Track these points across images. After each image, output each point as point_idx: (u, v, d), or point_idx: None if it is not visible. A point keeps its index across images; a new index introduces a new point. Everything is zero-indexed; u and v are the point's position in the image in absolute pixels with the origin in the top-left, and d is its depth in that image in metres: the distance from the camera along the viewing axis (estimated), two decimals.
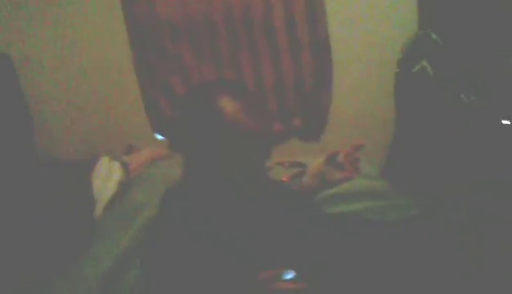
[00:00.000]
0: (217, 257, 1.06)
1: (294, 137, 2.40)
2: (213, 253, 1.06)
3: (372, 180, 1.70)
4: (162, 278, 1.06)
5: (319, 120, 2.34)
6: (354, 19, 2.11)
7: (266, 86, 2.26)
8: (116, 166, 1.88)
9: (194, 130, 1.13)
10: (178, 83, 2.26)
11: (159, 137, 2.36)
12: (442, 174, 1.58)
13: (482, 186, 1.55)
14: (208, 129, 1.11)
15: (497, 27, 1.47)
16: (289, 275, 0.94)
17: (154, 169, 1.90)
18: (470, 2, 1.48)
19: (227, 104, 1.10)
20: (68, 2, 2.18)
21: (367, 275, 1.14)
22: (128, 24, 2.20)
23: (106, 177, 1.80)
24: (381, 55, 1.99)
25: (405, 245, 1.23)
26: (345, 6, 2.11)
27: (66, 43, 2.25)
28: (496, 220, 1.38)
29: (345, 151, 1.24)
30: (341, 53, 2.17)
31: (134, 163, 1.88)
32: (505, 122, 1.56)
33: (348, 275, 1.13)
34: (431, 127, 1.54)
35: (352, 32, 2.13)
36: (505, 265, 1.16)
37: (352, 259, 1.17)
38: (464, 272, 1.14)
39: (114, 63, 2.27)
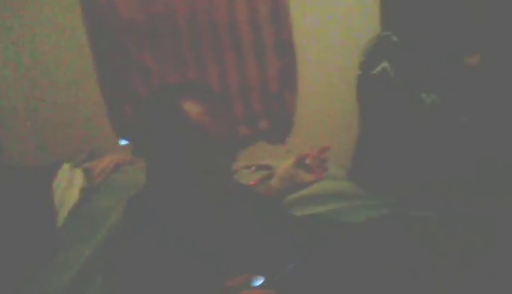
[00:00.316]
0: (185, 264, 1.04)
1: (260, 140, 2.40)
2: (180, 260, 1.04)
3: (339, 181, 1.71)
4: (127, 288, 1.03)
5: (285, 122, 2.35)
6: (318, 21, 2.12)
7: (231, 89, 2.25)
8: (78, 173, 1.82)
9: (158, 134, 1.11)
10: (141, 86, 2.21)
11: (123, 142, 2.31)
12: (408, 173, 1.61)
13: (448, 184, 1.58)
14: (173, 133, 1.08)
15: (456, 27, 1.51)
16: (258, 281, 0.93)
17: (119, 175, 1.85)
18: (431, 3, 1.52)
19: (192, 107, 1.08)
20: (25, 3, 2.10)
21: (337, 277, 1.14)
22: (87, 24, 2.14)
23: (68, 185, 1.74)
24: (345, 57, 2.01)
25: (374, 246, 1.24)
26: (309, 10, 2.12)
27: (24, 45, 2.18)
28: (464, 217, 1.41)
29: (313, 153, 1.25)
30: (306, 55, 2.18)
31: (97, 169, 1.83)
32: (464, 119, 1.60)
33: (318, 278, 1.13)
34: (394, 128, 1.57)
35: (316, 34, 2.14)
36: (475, 263, 1.18)
37: (321, 261, 1.17)
38: (434, 270, 1.15)
39: (75, 65, 2.21)
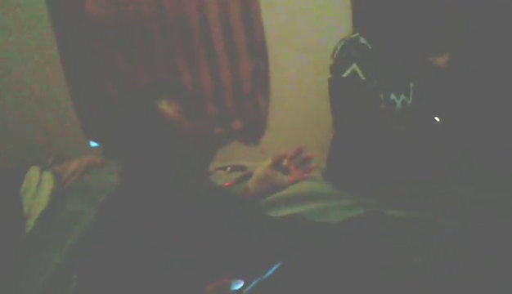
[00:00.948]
0: (161, 268, 1.01)
1: (234, 140, 2.39)
2: (157, 263, 1.01)
3: (315, 182, 1.71)
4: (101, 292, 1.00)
5: (258, 123, 2.34)
6: (290, 22, 2.13)
7: (204, 90, 2.23)
8: (47, 176, 1.76)
9: (133, 134, 1.08)
10: (112, 87, 2.17)
11: (93, 144, 2.25)
12: (381, 174, 1.63)
13: (420, 185, 1.60)
14: (149, 133, 1.07)
15: (424, 28, 1.53)
16: (237, 285, 0.91)
17: (89, 177, 1.80)
18: (400, 5, 1.53)
19: (168, 107, 1.07)
20: None
21: (315, 277, 1.14)
22: (55, 23, 2.08)
23: (37, 189, 1.68)
24: (317, 58, 2.02)
25: (350, 245, 1.24)
26: (280, 10, 2.12)
27: None
28: (437, 217, 1.43)
29: (289, 154, 1.24)
30: (278, 56, 2.19)
31: (66, 173, 1.78)
32: (436, 118, 1.62)
33: (296, 279, 1.12)
34: (366, 129, 1.58)
35: (288, 35, 2.15)
36: (447, 262, 1.20)
37: (299, 262, 1.16)
38: (409, 270, 1.16)
39: (43, 66, 2.14)
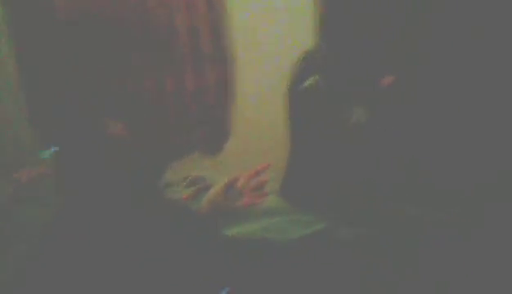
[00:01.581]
0: (107, 287, 0.97)
1: (195, 151, 2.34)
2: (103, 283, 0.97)
3: (272, 196, 1.68)
4: None
5: (221, 133, 2.30)
6: (257, 30, 2.12)
7: (166, 99, 2.18)
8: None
9: (80, 148, 1.05)
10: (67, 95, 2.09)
11: (44, 154, 2.17)
12: (339, 189, 1.62)
13: (380, 199, 1.60)
14: (96, 149, 1.04)
15: (384, 42, 1.54)
16: None
17: (36, 189, 1.73)
18: (363, 18, 1.53)
19: (113, 124, 1.04)
20: None
21: None
22: (9, 21, 1.99)
23: None
24: (281, 69, 2.01)
25: (308, 262, 1.23)
26: (247, 24, 2.11)
27: None
28: (396, 232, 1.43)
29: (244, 176, 1.22)
30: (243, 69, 2.16)
31: (14, 183, 1.71)
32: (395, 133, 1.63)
33: None
34: (325, 142, 1.57)
35: (253, 47, 2.13)
36: (409, 278, 1.19)
37: (254, 281, 1.14)
38: (368, 285, 1.15)
39: None
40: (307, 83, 1.49)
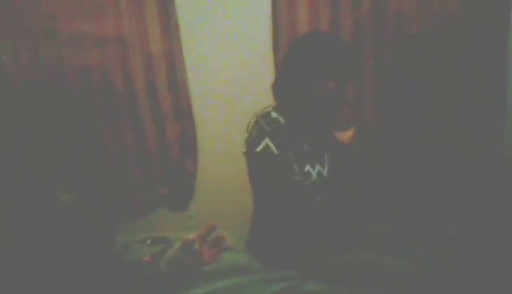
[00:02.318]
0: None
1: (160, 207, 2.32)
2: None
3: (237, 253, 1.66)
4: None
5: (185, 188, 2.29)
6: (216, 88, 2.15)
7: (129, 155, 2.16)
8: None
9: (31, 217, 1.04)
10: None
11: None
12: (300, 245, 1.62)
13: (339, 255, 1.60)
14: (46, 219, 1.05)
15: (327, 106, 1.58)
16: None
17: None
18: (309, 81, 1.57)
19: (63, 196, 1.12)
20: None
21: None
22: None
23: None
24: (243, 125, 2.03)
25: None
26: (206, 76, 2.14)
27: None
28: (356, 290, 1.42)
29: (199, 233, 1.21)
30: (205, 121, 2.18)
31: None
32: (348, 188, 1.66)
33: None
34: (282, 202, 1.58)
35: (214, 100, 2.16)
36: None
37: None
38: None
39: None
40: (259, 147, 1.51)
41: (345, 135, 1.64)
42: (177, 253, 1.23)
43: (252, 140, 1.55)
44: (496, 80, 2.38)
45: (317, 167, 1.63)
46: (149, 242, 1.78)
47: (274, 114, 1.59)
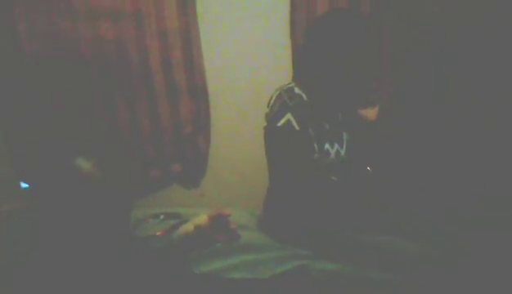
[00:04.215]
0: None
1: (173, 183, 2.32)
2: None
3: (249, 231, 1.65)
4: None
5: (198, 165, 2.29)
6: (231, 65, 2.12)
7: (143, 131, 2.16)
8: None
9: (51, 184, 1.10)
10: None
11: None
12: (317, 224, 1.61)
13: (353, 236, 1.59)
14: (65, 186, 1.08)
15: (355, 83, 1.57)
16: None
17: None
18: (334, 58, 1.55)
19: (85, 163, 1.10)
20: None
21: None
22: None
23: None
24: (257, 102, 2.01)
25: None
26: (222, 53, 2.12)
27: None
28: (369, 271, 1.41)
29: (210, 217, 1.22)
30: (219, 98, 2.16)
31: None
32: (369, 169, 1.64)
33: None
34: (299, 179, 1.57)
35: (229, 78, 2.14)
36: None
37: None
38: None
39: None
40: (280, 122, 1.49)
41: (370, 113, 1.62)
42: (188, 235, 1.25)
43: (273, 115, 1.53)
44: None
45: (336, 146, 1.62)
46: (162, 217, 1.79)
47: (297, 90, 1.57)
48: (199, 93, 2.14)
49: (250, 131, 2.14)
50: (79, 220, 1.09)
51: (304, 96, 1.55)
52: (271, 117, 1.54)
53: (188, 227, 1.25)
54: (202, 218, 1.28)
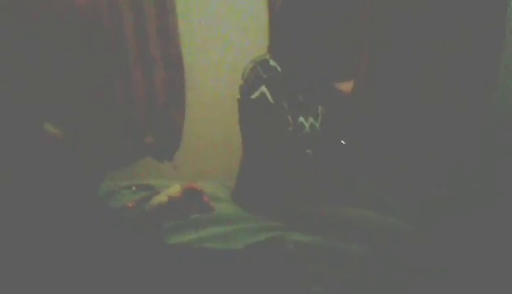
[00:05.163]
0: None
1: (146, 156, 2.29)
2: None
3: (223, 203, 1.65)
4: None
5: (172, 138, 2.26)
6: (207, 39, 2.10)
7: (115, 101, 2.11)
8: None
9: (15, 151, 1.03)
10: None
11: None
12: (289, 196, 1.64)
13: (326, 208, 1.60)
14: (32, 150, 1.03)
15: (331, 55, 1.56)
16: None
17: None
18: (309, 31, 1.55)
19: (50, 128, 1.08)
20: None
21: None
22: None
23: None
24: (232, 77, 2.00)
25: (250, 274, 1.21)
26: (198, 27, 2.09)
27: None
28: (342, 242, 1.42)
29: (185, 187, 1.21)
30: (194, 73, 2.14)
31: None
32: (343, 142, 1.65)
33: None
34: (273, 151, 1.57)
35: (205, 50, 2.11)
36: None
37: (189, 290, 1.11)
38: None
39: None
40: (255, 94, 1.48)
41: (345, 87, 1.62)
42: (162, 205, 1.23)
43: (248, 87, 1.52)
44: (492, 41, 2.33)
45: (310, 120, 1.61)
46: (134, 188, 1.77)
47: (272, 62, 1.55)
48: (174, 64, 2.10)
49: (225, 106, 2.12)
50: (45, 185, 1.05)
51: (279, 69, 1.54)
52: (246, 89, 1.53)
53: (161, 198, 1.24)
54: (175, 189, 1.27)
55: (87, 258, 1.06)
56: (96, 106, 1.98)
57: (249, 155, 1.65)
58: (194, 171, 2.31)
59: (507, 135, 2.29)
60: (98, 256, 1.08)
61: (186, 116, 2.23)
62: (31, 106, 1.15)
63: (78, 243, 1.06)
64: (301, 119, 1.58)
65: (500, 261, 1.39)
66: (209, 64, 2.14)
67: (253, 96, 1.50)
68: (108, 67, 2.04)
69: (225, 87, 2.12)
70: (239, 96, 1.58)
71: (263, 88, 1.49)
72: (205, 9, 2.11)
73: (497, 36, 2.27)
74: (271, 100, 1.50)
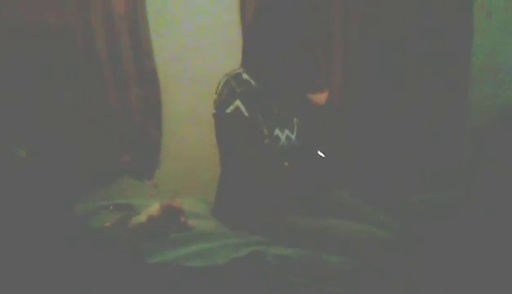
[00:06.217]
0: None
1: (124, 175, 2.26)
2: None
3: (203, 220, 1.63)
4: None
5: (150, 156, 2.24)
6: (182, 53, 2.09)
7: (91, 120, 2.08)
8: None
9: None
10: None
11: None
12: (266, 210, 1.60)
13: (305, 220, 1.59)
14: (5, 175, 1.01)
15: (303, 67, 1.59)
16: None
17: None
18: (282, 44, 1.56)
19: (22, 152, 1.08)
20: None
21: None
22: None
23: None
24: (209, 90, 2.00)
25: (234, 288, 1.19)
26: (173, 40, 2.08)
27: None
28: (323, 254, 1.41)
29: (163, 208, 1.19)
30: (170, 87, 2.12)
31: None
32: (320, 153, 1.65)
33: None
34: (250, 165, 1.56)
35: (180, 66, 2.10)
36: None
37: None
38: None
39: None
40: (229, 109, 1.48)
41: (319, 98, 1.63)
42: (141, 225, 1.21)
43: (222, 102, 1.51)
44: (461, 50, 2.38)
45: (286, 132, 1.61)
46: (111, 208, 1.73)
47: (245, 76, 1.55)
48: (149, 80, 2.09)
49: (203, 120, 2.12)
50: (20, 208, 1.03)
51: (253, 82, 1.54)
52: (220, 104, 1.52)
53: (141, 218, 1.22)
54: (155, 208, 1.25)
55: (67, 279, 1.03)
56: (70, 126, 1.95)
57: (227, 170, 1.64)
58: (173, 188, 2.29)
59: (486, 138, 2.33)
60: (78, 277, 1.05)
61: (164, 133, 2.22)
62: (2, 128, 1.12)
63: (58, 266, 1.04)
64: (276, 132, 1.58)
65: (485, 266, 1.40)
66: (185, 80, 2.14)
67: (227, 110, 1.49)
68: (82, 85, 2.01)
69: (202, 103, 2.11)
70: (214, 111, 1.57)
71: (238, 102, 1.49)
72: (179, 23, 2.11)
73: (466, 33, 2.31)
74: (246, 114, 1.49)
